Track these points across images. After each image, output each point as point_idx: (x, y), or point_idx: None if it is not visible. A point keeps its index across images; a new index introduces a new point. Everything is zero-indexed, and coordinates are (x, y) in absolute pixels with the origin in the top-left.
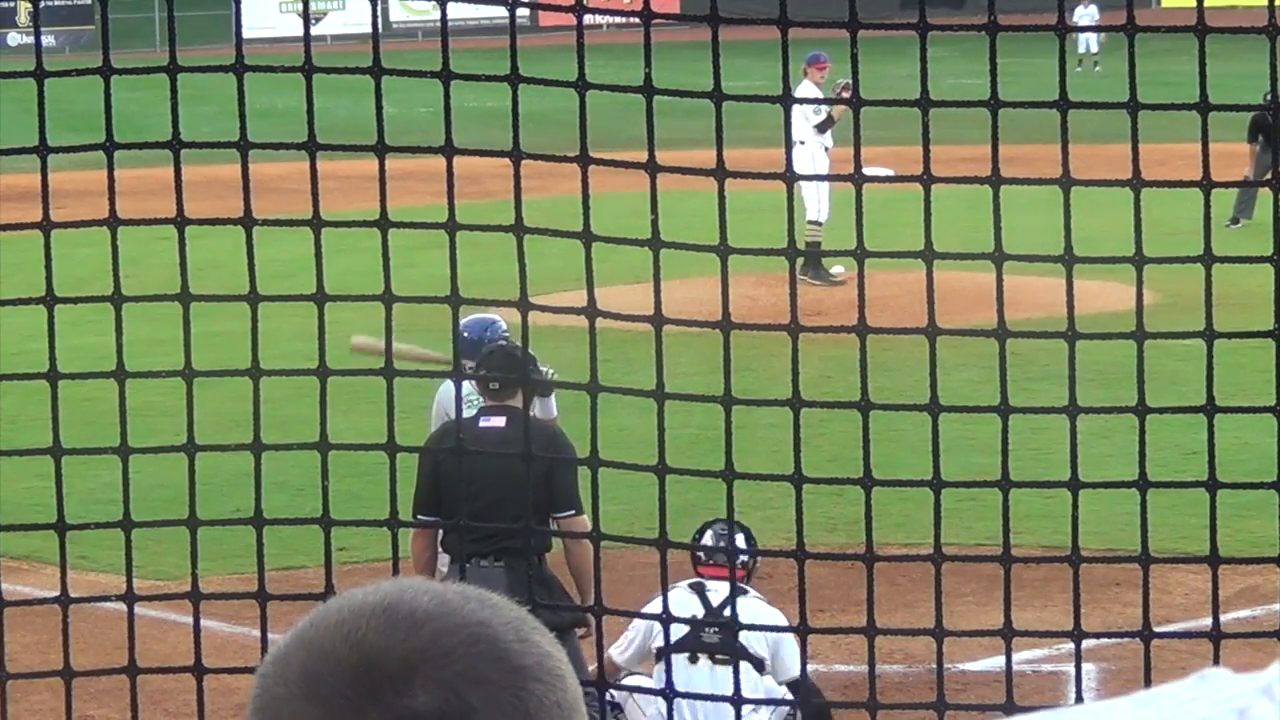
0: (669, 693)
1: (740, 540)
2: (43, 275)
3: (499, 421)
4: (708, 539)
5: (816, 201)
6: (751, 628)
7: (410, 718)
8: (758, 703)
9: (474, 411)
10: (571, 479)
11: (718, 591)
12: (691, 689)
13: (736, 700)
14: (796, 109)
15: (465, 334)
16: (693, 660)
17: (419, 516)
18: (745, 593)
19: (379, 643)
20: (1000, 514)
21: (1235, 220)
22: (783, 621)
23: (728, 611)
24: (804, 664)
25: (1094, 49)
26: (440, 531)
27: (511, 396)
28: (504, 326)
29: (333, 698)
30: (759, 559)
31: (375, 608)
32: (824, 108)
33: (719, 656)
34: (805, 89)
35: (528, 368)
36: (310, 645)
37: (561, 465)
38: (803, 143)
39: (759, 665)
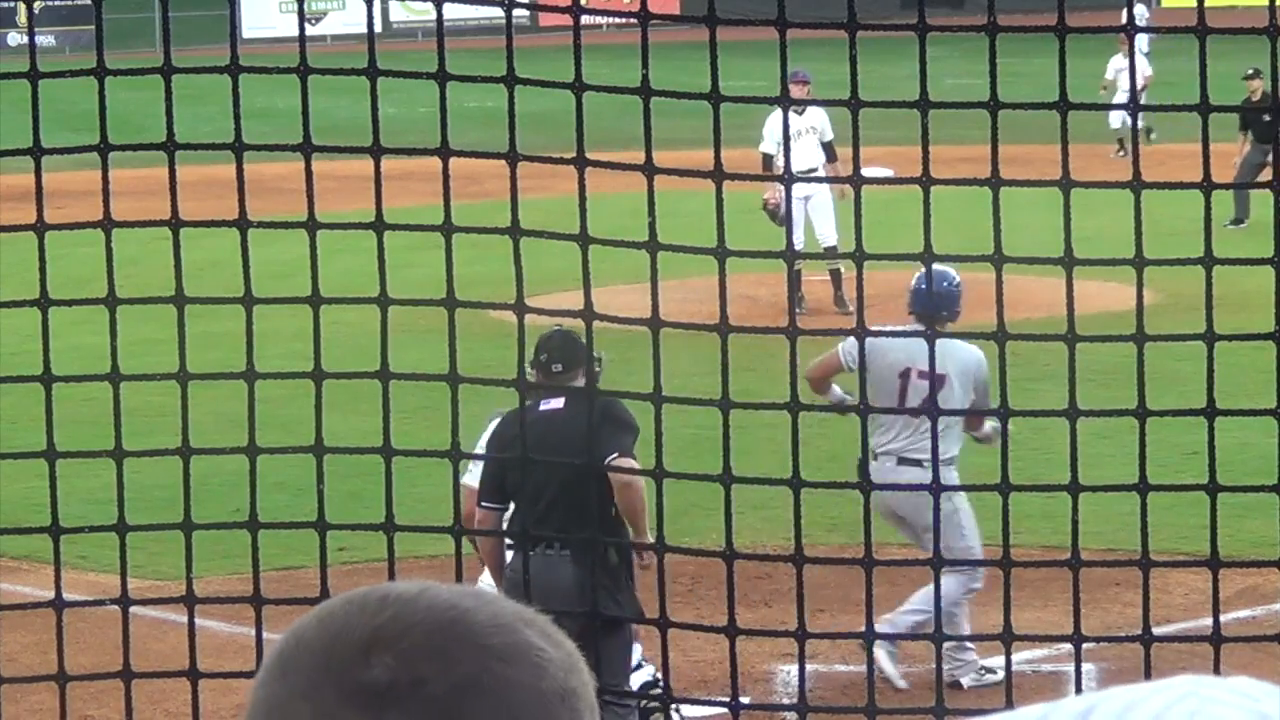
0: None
1: None
2: (42, 275)
3: (558, 404)
4: None
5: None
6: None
7: (361, 690)
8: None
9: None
10: (619, 430)
11: None
12: None
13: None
14: (808, 136)
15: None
16: None
17: (483, 504)
18: None
19: (344, 623)
20: (1000, 515)
21: (1239, 220)
22: None
23: None
24: None
25: (1144, 49)
26: (505, 519)
27: (571, 379)
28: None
29: (296, 674)
30: None
31: (355, 595)
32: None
33: None
34: (814, 114)
35: (587, 350)
36: (290, 631)
37: (610, 422)
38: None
39: None
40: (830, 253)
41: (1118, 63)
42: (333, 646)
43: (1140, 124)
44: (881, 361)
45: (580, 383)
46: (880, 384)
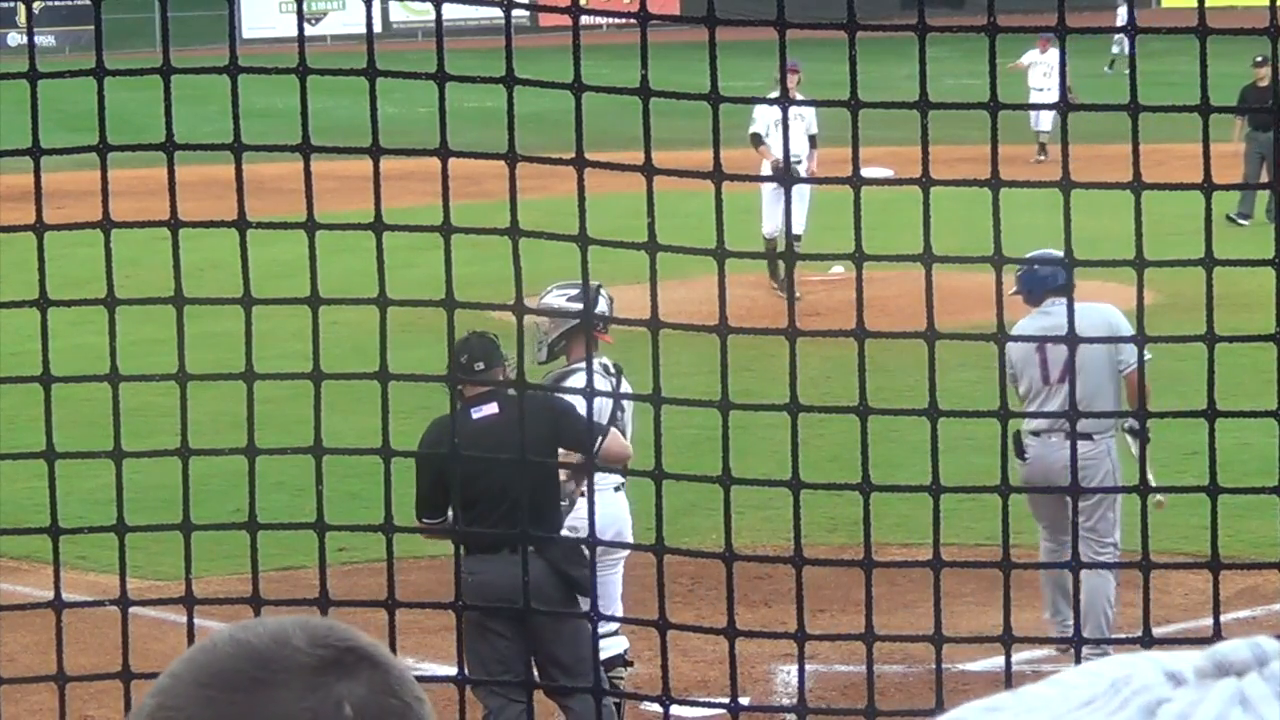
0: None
1: None
2: (42, 276)
3: (491, 409)
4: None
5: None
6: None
7: (323, 664)
8: None
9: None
10: (581, 426)
11: None
12: None
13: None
14: (796, 124)
15: None
16: None
17: (424, 520)
18: None
19: (261, 638)
20: (1000, 515)
21: (1245, 215)
22: None
23: None
24: None
25: (1126, 50)
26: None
27: (495, 376)
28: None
29: (259, 683)
30: None
31: (225, 631)
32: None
33: None
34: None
35: (499, 349)
36: (197, 670)
37: (565, 423)
38: (798, 160)
39: None
40: (795, 241)
41: (1032, 56)
42: (276, 653)
43: (1053, 128)
44: (1019, 341)
45: (499, 376)
46: (1026, 366)
